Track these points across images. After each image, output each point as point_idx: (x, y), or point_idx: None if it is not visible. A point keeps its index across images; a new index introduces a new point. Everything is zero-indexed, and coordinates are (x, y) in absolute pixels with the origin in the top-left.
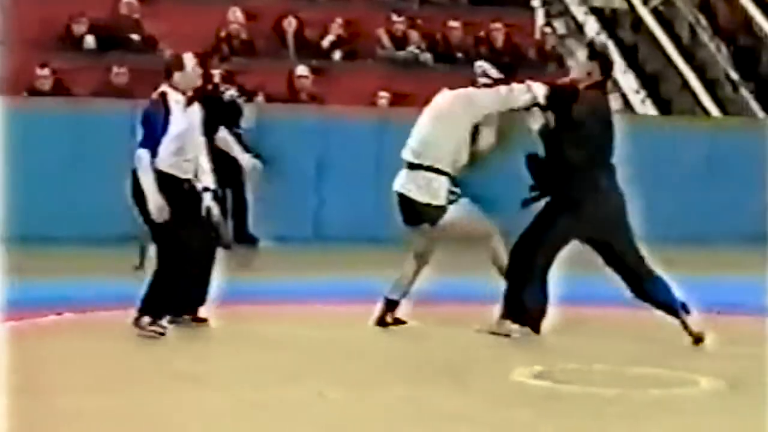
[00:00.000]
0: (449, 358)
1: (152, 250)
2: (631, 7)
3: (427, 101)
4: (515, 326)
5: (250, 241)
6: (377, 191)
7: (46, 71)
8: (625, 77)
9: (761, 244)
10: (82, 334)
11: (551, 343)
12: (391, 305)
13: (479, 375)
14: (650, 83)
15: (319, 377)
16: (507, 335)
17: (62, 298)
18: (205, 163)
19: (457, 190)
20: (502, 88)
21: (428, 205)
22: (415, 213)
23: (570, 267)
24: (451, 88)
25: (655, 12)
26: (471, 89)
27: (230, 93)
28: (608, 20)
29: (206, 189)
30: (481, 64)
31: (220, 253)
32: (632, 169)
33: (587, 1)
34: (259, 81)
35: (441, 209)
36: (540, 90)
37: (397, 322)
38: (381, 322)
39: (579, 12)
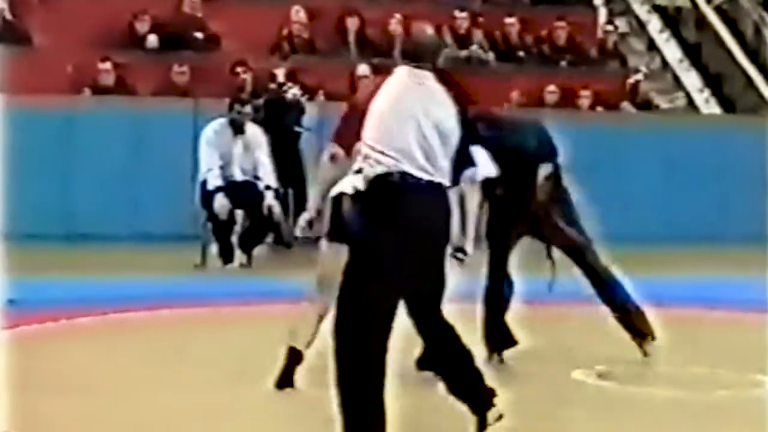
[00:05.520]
0: (510, 354)
1: (213, 248)
2: (695, 5)
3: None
4: None
5: (310, 241)
6: None
7: (107, 65)
8: (688, 76)
9: None
10: (133, 332)
11: (615, 343)
12: None
13: (540, 372)
14: (714, 82)
15: None
16: None
17: (122, 297)
18: (267, 162)
19: None
20: None
21: None
22: None
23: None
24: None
25: (719, 10)
26: None
27: (293, 92)
28: (671, 18)
29: (268, 187)
30: None
31: (281, 252)
32: (696, 169)
33: None
34: (320, 80)
35: None
36: None
37: None
38: None
39: (641, 10)
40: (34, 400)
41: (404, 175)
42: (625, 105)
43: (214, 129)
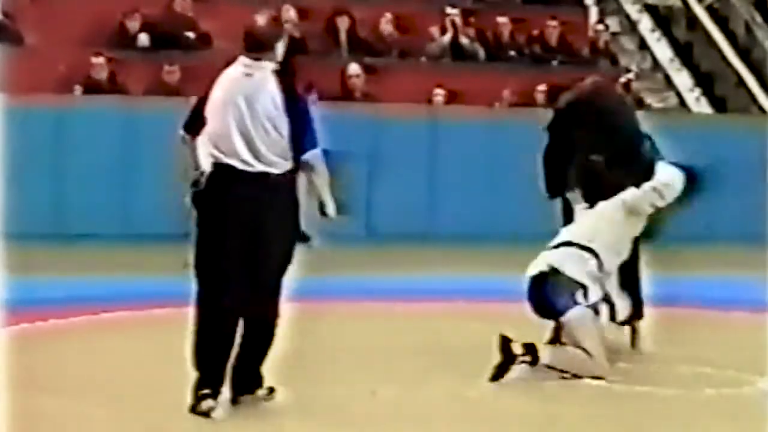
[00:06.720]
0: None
1: None
2: (686, 4)
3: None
4: None
5: (303, 240)
6: (429, 189)
7: (101, 59)
8: (679, 75)
9: None
10: (123, 332)
11: (605, 342)
12: None
13: (532, 371)
14: (705, 81)
15: (371, 375)
16: None
17: (113, 296)
18: None
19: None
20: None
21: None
22: None
23: None
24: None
25: (710, 9)
26: None
27: None
28: (662, 18)
29: None
30: None
31: None
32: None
33: None
34: (312, 79)
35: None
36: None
37: None
38: None
39: (633, 10)
40: (25, 399)
41: (228, 169)
42: None
43: None
